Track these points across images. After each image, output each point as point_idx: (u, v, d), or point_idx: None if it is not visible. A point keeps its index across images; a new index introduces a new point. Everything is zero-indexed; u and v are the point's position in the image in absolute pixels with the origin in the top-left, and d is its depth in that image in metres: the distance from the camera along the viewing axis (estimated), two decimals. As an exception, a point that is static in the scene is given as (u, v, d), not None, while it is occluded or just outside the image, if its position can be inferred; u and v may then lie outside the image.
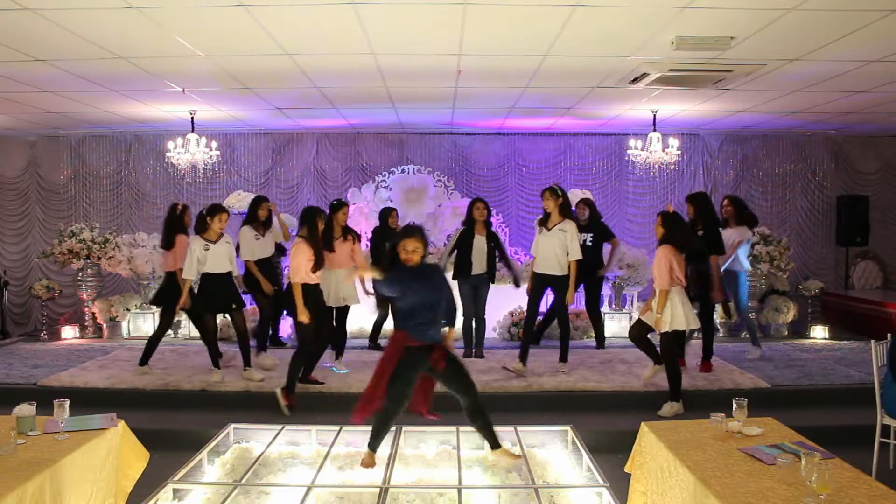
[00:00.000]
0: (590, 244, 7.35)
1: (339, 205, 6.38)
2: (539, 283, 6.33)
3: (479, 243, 6.89)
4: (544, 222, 6.25)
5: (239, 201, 8.86)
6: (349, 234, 6.42)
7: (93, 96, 7.24)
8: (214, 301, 6.00)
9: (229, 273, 6.02)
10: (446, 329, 4.26)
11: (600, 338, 7.78)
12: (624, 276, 8.68)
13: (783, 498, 2.61)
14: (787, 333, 8.73)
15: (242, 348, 6.15)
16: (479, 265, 6.87)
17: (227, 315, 7.02)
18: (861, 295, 9.50)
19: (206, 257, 5.87)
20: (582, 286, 7.57)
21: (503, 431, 4.78)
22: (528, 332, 6.53)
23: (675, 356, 5.66)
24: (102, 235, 8.65)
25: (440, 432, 4.79)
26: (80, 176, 10.27)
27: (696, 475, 2.85)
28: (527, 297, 6.56)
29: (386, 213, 7.39)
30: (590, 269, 7.30)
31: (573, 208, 6.85)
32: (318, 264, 5.57)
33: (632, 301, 8.87)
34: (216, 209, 5.98)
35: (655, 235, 5.65)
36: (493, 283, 7.06)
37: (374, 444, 4.23)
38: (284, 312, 6.73)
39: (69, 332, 8.62)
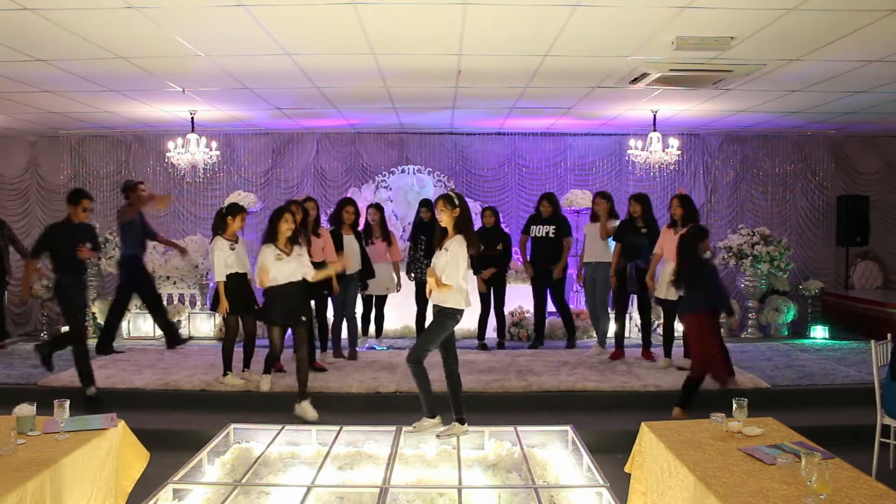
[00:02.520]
0: (552, 236, 7.54)
1: (377, 207, 7.44)
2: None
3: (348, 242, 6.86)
4: (441, 241, 4.77)
5: (239, 201, 8.86)
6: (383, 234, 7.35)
7: (93, 96, 7.24)
8: (235, 302, 5.92)
9: (245, 274, 6.01)
10: None
11: (571, 337, 7.80)
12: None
13: (783, 498, 2.61)
14: (787, 333, 8.74)
15: (247, 350, 6.18)
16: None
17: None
18: (861, 295, 9.50)
19: (232, 258, 5.86)
20: (547, 286, 7.68)
21: (503, 431, 4.80)
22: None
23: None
24: (102, 235, 8.65)
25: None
26: (80, 176, 10.26)
27: (697, 475, 2.85)
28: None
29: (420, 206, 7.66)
30: (547, 262, 7.50)
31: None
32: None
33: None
34: (237, 209, 5.97)
35: (674, 216, 6.36)
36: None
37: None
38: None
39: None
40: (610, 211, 7.24)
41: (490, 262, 7.49)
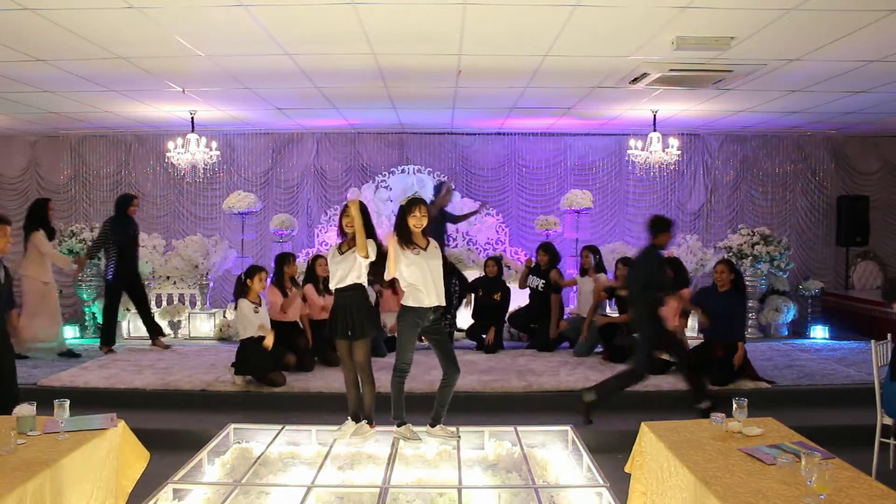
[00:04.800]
0: (541, 290, 7.45)
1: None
2: None
3: None
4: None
5: (239, 201, 8.88)
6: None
7: (93, 96, 7.24)
8: (263, 362, 5.89)
9: (263, 337, 5.96)
10: None
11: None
12: (624, 277, 8.68)
13: (783, 498, 2.60)
14: (787, 333, 8.74)
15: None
16: None
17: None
18: (861, 295, 9.49)
19: (256, 320, 5.85)
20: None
21: (503, 431, 4.80)
22: None
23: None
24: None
25: (440, 432, 4.79)
26: (80, 176, 10.28)
27: (697, 475, 2.85)
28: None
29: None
30: (535, 316, 7.53)
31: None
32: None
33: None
34: (254, 270, 5.96)
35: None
36: None
37: None
38: None
39: (69, 332, 8.61)
40: (598, 264, 7.43)
41: (487, 310, 7.47)
